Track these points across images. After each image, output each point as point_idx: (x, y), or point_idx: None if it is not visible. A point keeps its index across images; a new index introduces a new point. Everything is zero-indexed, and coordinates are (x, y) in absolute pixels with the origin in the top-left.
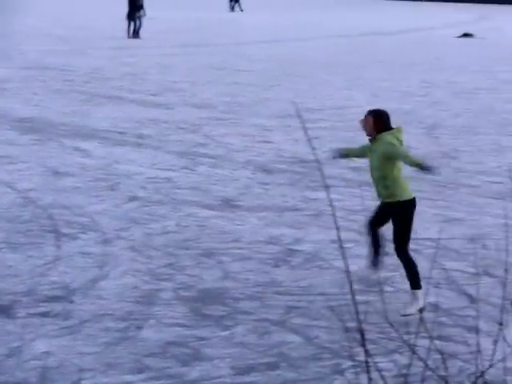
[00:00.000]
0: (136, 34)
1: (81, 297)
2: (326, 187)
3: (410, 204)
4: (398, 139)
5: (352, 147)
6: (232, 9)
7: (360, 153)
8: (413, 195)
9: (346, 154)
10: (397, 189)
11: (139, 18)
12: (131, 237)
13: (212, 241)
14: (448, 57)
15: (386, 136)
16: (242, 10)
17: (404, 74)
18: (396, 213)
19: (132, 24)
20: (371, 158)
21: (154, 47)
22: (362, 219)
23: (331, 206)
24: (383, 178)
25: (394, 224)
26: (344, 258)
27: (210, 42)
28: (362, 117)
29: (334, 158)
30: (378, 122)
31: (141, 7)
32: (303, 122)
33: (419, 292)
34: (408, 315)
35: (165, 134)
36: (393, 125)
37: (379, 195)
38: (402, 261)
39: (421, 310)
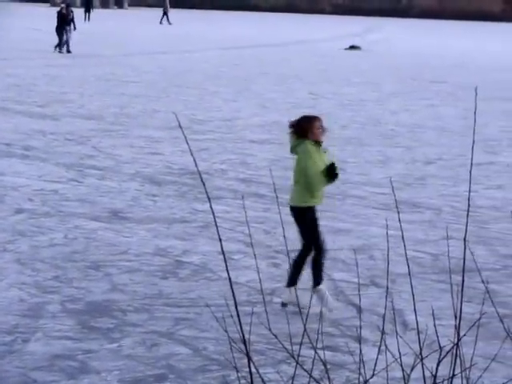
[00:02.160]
0: (63, 48)
1: None
2: (209, 199)
3: None
4: None
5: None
6: (87, 19)
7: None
8: None
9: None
10: None
11: (67, 32)
12: (18, 249)
13: (100, 253)
14: (335, 69)
15: None
16: (170, 23)
17: (292, 86)
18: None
19: (61, 38)
20: (323, 160)
21: (41, 58)
22: (251, 231)
23: (214, 217)
24: None
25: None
26: (227, 269)
27: (97, 53)
28: (321, 123)
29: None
30: None
31: (71, 21)
32: (184, 133)
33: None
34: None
35: (52, 145)
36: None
37: (321, 199)
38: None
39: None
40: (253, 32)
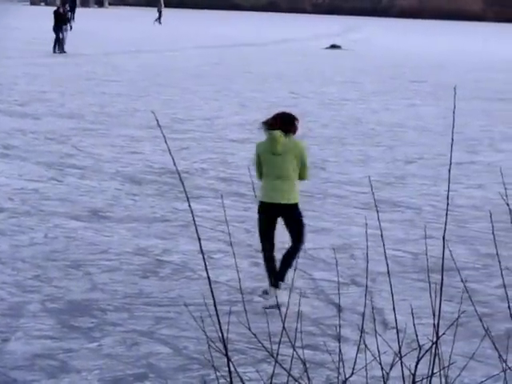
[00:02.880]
0: (60, 47)
1: None
2: (188, 198)
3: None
4: None
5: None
6: (72, 19)
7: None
8: None
9: None
10: (297, 191)
11: (64, 31)
12: None
13: (80, 252)
14: (316, 68)
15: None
16: (160, 23)
17: (272, 85)
18: (294, 213)
19: (58, 37)
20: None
21: (21, 57)
22: (231, 230)
23: (193, 216)
24: (293, 178)
25: (293, 224)
26: (206, 268)
27: (78, 51)
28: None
29: None
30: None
31: (67, 21)
32: (164, 132)
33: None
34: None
35: (32, 144)
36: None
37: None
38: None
39: (265, 292)
40: (234, 31)
